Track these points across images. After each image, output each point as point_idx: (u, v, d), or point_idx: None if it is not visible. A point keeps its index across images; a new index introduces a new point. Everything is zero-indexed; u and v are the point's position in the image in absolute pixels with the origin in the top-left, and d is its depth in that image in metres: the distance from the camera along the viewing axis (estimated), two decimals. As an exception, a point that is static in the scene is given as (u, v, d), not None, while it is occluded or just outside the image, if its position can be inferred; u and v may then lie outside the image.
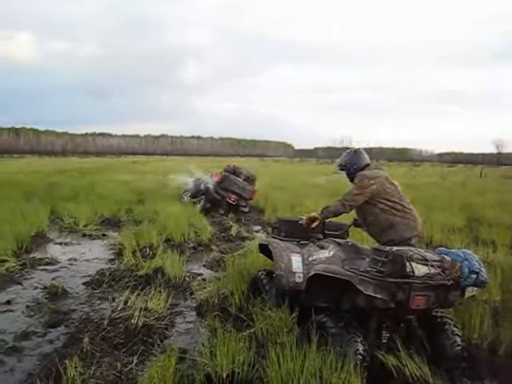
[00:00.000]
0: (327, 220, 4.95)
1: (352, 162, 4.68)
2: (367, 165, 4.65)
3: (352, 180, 4.63)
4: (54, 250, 7.87)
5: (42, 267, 6.70)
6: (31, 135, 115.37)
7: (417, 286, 3.12)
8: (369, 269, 3.44)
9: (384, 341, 3.50)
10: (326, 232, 4.82)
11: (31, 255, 7.28)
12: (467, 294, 3.40)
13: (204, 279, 6.20)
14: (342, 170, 4.77)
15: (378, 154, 78.66)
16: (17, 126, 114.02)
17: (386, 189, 4.41)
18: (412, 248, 3.47)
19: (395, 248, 3.41)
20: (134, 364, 3.71)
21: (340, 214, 4.49)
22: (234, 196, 12.11)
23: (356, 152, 4.78)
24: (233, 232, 9.59)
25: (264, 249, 4.86)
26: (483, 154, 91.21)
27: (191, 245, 8.18)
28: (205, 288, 5.61)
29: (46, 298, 5.33)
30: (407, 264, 3.12)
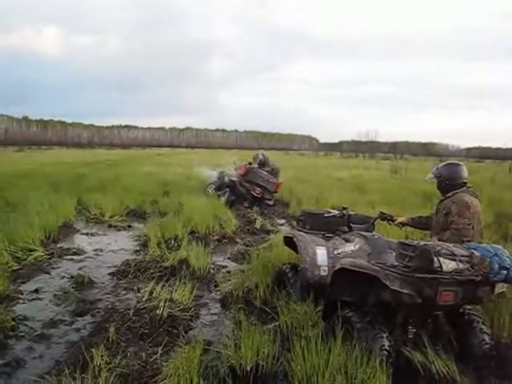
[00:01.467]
0: (352, 212, 4.92)
1: (448, 176, 4.38)
2: (463, 184, 4.36)
3: (440, 189, 4.48)
4: (80, 241, 7.99)
5: (69, 257, 6.81)
6: (59, 127, 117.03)
7: (444, 282, 3.04)
8: (395, 263, 3.38)
9: (410, 336, 3.43)
10: (352, 225, 4.77)
11: (58, 245, 7.41)
12: (497, 291, 3.31)
13: (228, 272, 6.22)
14: (436, 178, 4.49)
15: (403, 147, 77.48)
16: (45, 119, 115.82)
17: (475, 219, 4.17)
18: (440, 242, 3.39)
19: (422, 242, 3.34)
20: (158, 355, 3.73)
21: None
22: (258, 189, 12.07)
23: (455, 165, 4.51)
24: (257, 225, 9.57)
25: (289, 241, 4.84)
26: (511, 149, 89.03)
27: (216, 237, 8.19)
28: (229, 280, 5.62)
29: (73, 288, 5.43)
30: (435, 259, 3.04)
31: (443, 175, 4.40)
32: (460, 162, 4.60)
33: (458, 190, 4.28)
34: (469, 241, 3.86)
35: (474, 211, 4.15)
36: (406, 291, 3.12)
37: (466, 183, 4.36)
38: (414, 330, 3.45)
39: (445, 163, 4.63)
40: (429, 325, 3.54)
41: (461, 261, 3.08)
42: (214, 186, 13.12)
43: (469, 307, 3.60)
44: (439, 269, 3.01)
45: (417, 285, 3.09)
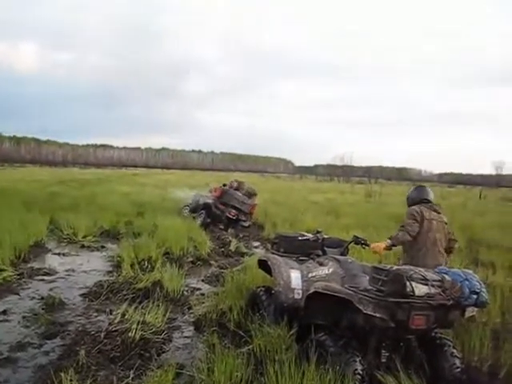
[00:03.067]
0: (326, 236, 4.98)
1: (411, 197, 5.27)
2: (423, 200, 5.11)
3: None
4: (52, 261, 7.83)
5: (40, 277, 6.67)
6: (32, 145, 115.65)
7: (417, 306, 3.09)
8: (369, 287, 3.41)
9: (383, 360, 3.46)
10: (326, 248, 4.81)
11: (29, 265, 7.25)
12: (467, 314, 3.37)
13: (202, 294, 6.17)
14: (407, 199, 5.36)
15: (377, 172, 78.70)
16: (18, 135, 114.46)
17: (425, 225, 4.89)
18: (412, 267, 3.44)
19: (395, 267, 3.39)
20: (130, 378, 3.68)
21: (403, 241, 4.92)
22: (233, 211, 12.03)
23: (418, 188, 5.41)
24: (232, 247, 9.56)
25: (263, 264, 4.85)
26: (482, 175, 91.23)
27: (190, 259, 8.15)
28: (203, 303, 5.58)
29: (43, 309, 5.30)
30: (407, 283, 3.09)
31: (409, 197, 5.29)
32: (424, 185, 5.52)
33: (422, 204, 5.06)
34: (414, 238, 4.84)
35: (423, 219, 4.89)
36: (378, 315, 3.15)
37: (426, 200, 5.11)
38: (387, 354, 3.48)
39: (412, 188, 5.48)
40: (401, 349, 3.57)
41: (433, 285, 3.14)
42: (189, 208, 13.08)
43: (440, 331, 3.65)
44: (412, 293, 3.06)
45: (390, 309, 3.13)
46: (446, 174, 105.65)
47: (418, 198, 5.14)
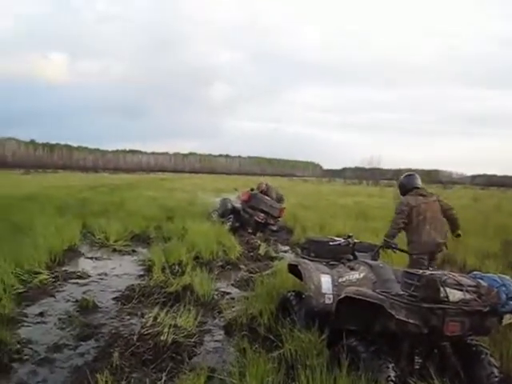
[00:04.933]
0: (357, 240, 4.95)
1: (402, 184, 6.07)
2: (413, 188, 5.88)
3: (400, 194, 6.07)
4: (85, 264, 8.01)
5: (74, 280, 6.83)
6: (64, 151, 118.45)
7: (451, 312, 3.03)
8: (401, 292, 3.37)
9: (417, 367, 3.40)
10: (357, 253, 4.78)
11: (63, 268, 7.43)
12: (505, 321, 3.28)
13: (232, 298, 6.21)
14: (397, 186, 6.21)
15: (406, 175, 77.38)
16: (51, 142, 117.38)
17: (414, 213, 5.68)
18: (446, 272, 3.39)
19: (428, 272, 3.34)
20: (162, 381, 3.74)
21: (394, 235, 5.70)
22: (262, 214, 11.99)
23: (408, 175, 6.11)
24: (261, 251, 9.57)
25: (293, 269, 4.85)
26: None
27: (220, 263, 8.20)
28: (233, 307, 5.61)
29: (77, 312, 5.44)
30: (441, 289, 3.04)
31: (401, 184, 6.08)
32: (412, 173, 6.17)
33: (409, 193, 5.85)
34: (408, 224, 5.71)
35: (411, 208, 5.68)
36: (411, 321, 3.10)
37: (416, 188, 5.86)
38: (421, 361, 3.42)
39: (403, 176, 6.19)
40: (435, 356, 3.50)
41: (467, 291, 3.07)
42: (217, 213, 13.14)
43: (476, 338, 3.58)
44: (446, 299, 3.00)
45: (423, 315, 3.08)
46: (478, 176, 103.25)
47: (409, 186, 5.91)
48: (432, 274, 3.23)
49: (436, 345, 3.48)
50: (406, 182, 6.00)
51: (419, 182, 5.96)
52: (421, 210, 5.69)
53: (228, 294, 6.49)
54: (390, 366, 3.24)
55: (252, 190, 12.78)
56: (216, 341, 4.81)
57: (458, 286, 3.07)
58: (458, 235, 6.00)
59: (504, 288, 3.16)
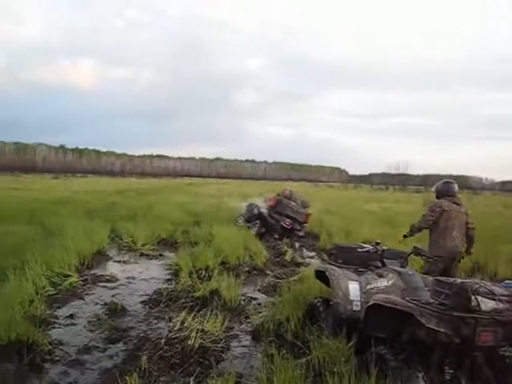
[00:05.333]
0: (385, 247, 4.91)
1: (437, 190, 6.30)
2: (446, 195, 6.15)
3: (436, 198, 6.30)
4: (113, 268, 8.14)
5: (103, 284, 6.94)
6: (93, 156, 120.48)
7: (483, 321, 2.97)
8: (431, 300, 3.32)
9: (447, 378, 3.33)
10: (385, 260, 4.73)
11: (92, 271, 7.57)
12: (540, 333, 3.21)
13: (259, 304, 6.22)
14: (434, 191, 6.39)
15: (434, 180, 76.32)
16: (80, 147, 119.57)
17: (444, 216, 5.98)
18: (477, 281, 3.33)
19: (459, 280, 3.29)
20: (190, 385, 3.75)
21: (420, 229, 6.18)
22: (288, 220, 11.98)
23: (445, 182, 6.35)
24: (287, 257, 9.55)
25: (321, 275, 4.83)
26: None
27: (246, 268, 8.22)
28: (260, 313, 5.62)
29: (106, 314, 5.53)
30: (472, 297, 2.99)
31: (438, 189, 6.28)
32: (451, 180, 6.41)
33: (445, 198, 6.13)
34: (435, 224, 6.02)
35: (442, 210, 5.98)
36: (442, 330, 3.05)
37: (451, 195, 6.12)
38: (451, 372, 3.34)
39: (441, 182, 6.40)
40: (467, 366, 3.43)
41: (500, 300, 3.02)
42: (243, 218, 13.17)
43: (510, 349, 3.49)
44: (477, 308, 2.95)
45: (454, 324, 3.02)
46: (509, 182, 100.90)
47: (445, 192, 6.17)
48: (463, 282, 3.18)
49: (467, 355, 3.40)
50: (443, 189, 6.23)
51: (456, 190, 6.23)
52: (451, 215, 5.97)
53: (255, 299, 6.50)
54: (420, 375, 3.19)
55: (278, 195, 12.79)
56: (243, 346, 4.81)
57: (491, 295, 3.01)
58: (470, 253, 6.34)
59: None
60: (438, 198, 6.24)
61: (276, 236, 12.05)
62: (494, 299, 3.00)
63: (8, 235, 8.48)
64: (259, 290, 7.05)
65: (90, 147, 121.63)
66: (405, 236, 6.30)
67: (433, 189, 6.58)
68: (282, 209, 12.11)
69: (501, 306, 3.00)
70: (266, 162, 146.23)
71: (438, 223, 6.01)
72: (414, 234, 6.23)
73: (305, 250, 11.33)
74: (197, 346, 4.37)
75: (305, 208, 12.58)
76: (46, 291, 5.98)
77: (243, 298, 6.39)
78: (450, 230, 5.96)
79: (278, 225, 12.05)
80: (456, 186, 6.29)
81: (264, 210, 12.56)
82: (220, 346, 4.57)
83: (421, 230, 6.19)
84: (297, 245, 11.57)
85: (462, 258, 6.22)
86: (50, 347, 4.35)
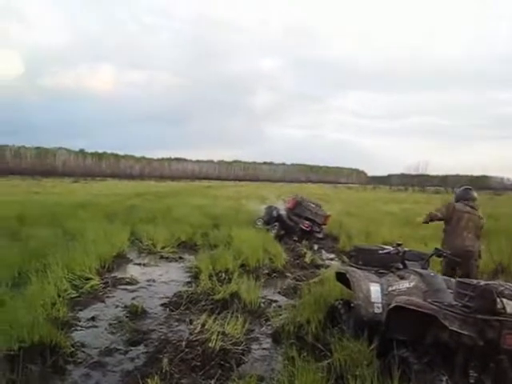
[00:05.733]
0: (407, 248, 4.85)
1: (457, 196, 6.60)
2: (463, 199, 6.43)
3: None
4: (133, 271, 8.18)
5: (123, 286, 6.99)
6: (112, 159, 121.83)
7: (509, 324, 2.92)
8: (454, 303, 3.27)
9: (472, 381, 3.28)
10: (406, 262, 4.68)
11: (113, 274, 7.63)
12: None
13: (279, 306, 6.19)
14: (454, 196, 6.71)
15: (454, 181, 75.40)
16: (99, 151, 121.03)
17: (453, 216, 6.28)
18: (502, 282, 3.26)
19: (483, 282, 3.23)
20: (212, 388, 3.75)
21: (432, 218, 6.50)
22: (307, 222, 11.95)
23: (464, 189, 6.65)
24: (307, 259, 9.52)
25: (341, 277, 4.79)
26: None
27: (266, 271, 8.20)
28: (280, 315, 5.59)
29: (127, 317, 5.56)
30: (497, 300, 2.93)
31: (457, 194, 6.64)
32: (470, 187, 6.73)
33: (461, 201, 6.40)
34: (447, 223, 6.34)
35: (454, 211, 6.29)
36: (466, 332, 3.00)
37: (468, 199, 6.41)
38: (476, 375, 3.28)
39: (461, 188, 6.75)
40: (491, 370, 3.36)
41: None
42: (262, 220, 13.12)
43: None
44: (503, 310, 2.90)
45: (478, 326, 2.97)
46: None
47: (462, 197, 6.48)
48: (487, 284, 3.12)
49: (492, 358, 3.34)
50: (461, 194, 6.54)
51: (474, 196, 6.50)
52: (464, 216, 6.27)
53: (275, 301, 6.48)
54: (444, 378, 3.14)
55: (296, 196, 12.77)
56: (264, 349, 4.80)
57: None
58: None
59: None
60: (457, 202, 6.49)
61: (295, 238, 12.00)
62: None
63: (30, 239, 8.63)
64: (279, 293, 7.02)
65: (109, 151, 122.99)
66: (425, 222, 6.68)
67: (453, 195, 6.98)
68: (301, 211, 12.11)
69: (526, 308, 2.93)
70: (284, 163, 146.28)
71: (450, 222, 6.32)
72: (428, 222, 6.62)
73: (324, 252, 11.27)
74: (217, 348, 4.37)
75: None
76: (68, 294, 6.06)
77: (263, 300, 6.39)
78: (461, 230, 6.21)
79: (297, 227, 12.04)
80: (475, 193, 6.57)
81: (283, 213, 12.55)
82: (241, 348, 4.56)
83: (433, 219, 6.51)
84: (315, 247, 11.49)
85: (479, 257, 6.40)
86: (73, 349, 4.39)
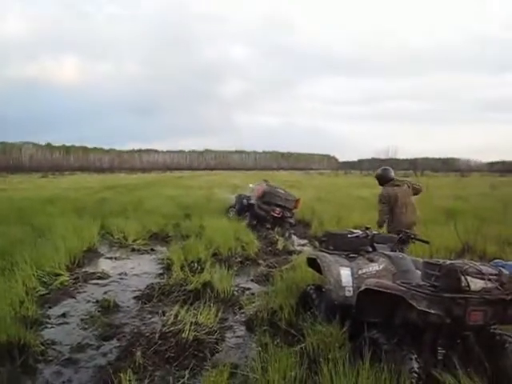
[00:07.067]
0: (376, 232, 4.93)
1: (379, 176, 7.30)
2: (390, 179, 7.10)
3: (379, 184, 7.27)
4: (104, 265, 8.08)
5: (94, 281, 6.89)
6: (80, 153, 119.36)
7: (473, 301, 2.99)
8: (421, 283, 3.33)
9: (440, 358, 3.36)
10: (376, 245, 4.74)
11: (83, 269, 7.51)
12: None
13: (252, 294, 6.21)
14: (375, 177, 7.41)
15: (423, 164, 76.78)
16: (67, 144, 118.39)
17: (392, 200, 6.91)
18: (466, 261, 3.33)
19: (448, 261, 3.29)
20: (185, 378, 3.75)
21: (384, 221, 7.01)
22: (278, 209, 11.83)
23: (384, 169, 7.34)
24: (279, 246, 9.56)
25: (312, 263, 4.83)
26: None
27: (238, 259, 8.21)
28: (253, 302, 5.61)
29: (99, 312, 5.48)
30: (462, 278, 2.99)
31: (379, 176, 7.27)
32: (387, 167, 7.42)
33: (386, 185, 7.08)
34: (384, 221, 7.01)
35: (390, 197, 6.92)
36: (433, 311, 3.06)
37: (391, 179, 7.09)
38: (444, 352, 3.37)
39: (380, 169, 7.44)
40: (458, 346, 3.46)
41: (489, 279, 3.03)
42: (235, 209, 13.06)
43: (500, 327, 3.52)
44: (467, 288, 2.96)
45: (445, 305, 3.04)
46: (496, 163, 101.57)
47: (386, 178, 7.14)
48: (452, 263, 3.18)
49: (459, 335, 3.43)
50: (383, 174, 7.22)
51: (393, 175, 7.21)
52: (398, 198, 6.93)
53: (248, 289, 6.50)
54: (413, 357, 3.21)
55: (266, 180, 12.71)
56: (237, 337, 4.81)
57: (480, 275, 3.03)
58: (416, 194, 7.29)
59: None
60: (381, 184, 7.19)
61: (268, 226, 11.93)
62: (483, 279, 3.01)
63: (-4, 236, 8.39)
64: (252, 280, 7.05)
65: (77, 144, 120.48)
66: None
67: (374, 175, 7.69)
68: (270, 198, 11.92)
69: (490, 285, 3.01)
70: (255, 151, 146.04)
71: (390, 208, 6.97)
72: (382, 227, 6.97)
73: (296, 238, 11.33)
74: (191, 338, 4.36)
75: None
76: (37, 291, 5.93)
77: (236, 288, 6.40)
78: (400, 209, 6.92)
79: (269, 215, 11.90)
80: (392, 171, 7.26)
81: (252, 202, 12.37)
82: (214, 337, 4.56)
83: (385, 221, 7.02)
84: (286, 233, 11.50)
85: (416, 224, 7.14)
86: (43, 347, 4.30)
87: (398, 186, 7.06)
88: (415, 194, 7.21)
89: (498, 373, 3.34)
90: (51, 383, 3.75)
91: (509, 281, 3.08)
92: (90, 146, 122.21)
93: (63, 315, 5.36)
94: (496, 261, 3.46)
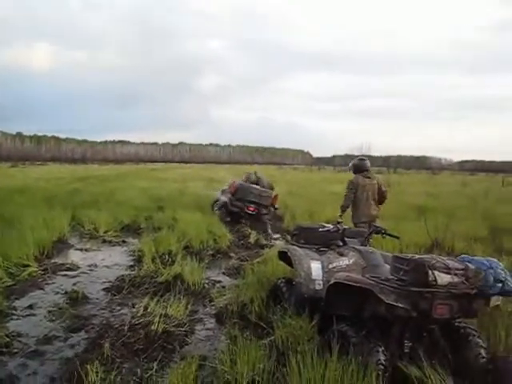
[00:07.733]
0: (346, 226, 4.98)
1: (353, 167, 7.71)
2: (363, 171, 7.54)
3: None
4: (74, 256, 7.94)
5: (63, 273, 6.77)
6: (52, 143, 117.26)
7: (440, 295, 3.05)
8: (390, 277, 3.38)
9: (406, 351, 3.43)
10: (346, 239, 4.79)
11: (52, 261, 7.36)
12: (492, 304, 3.31)
13: (223, 286, 6.20)
14: (350, 169, 7.82)
15: (396, 161, 77.72)
16: (39, 134, 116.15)
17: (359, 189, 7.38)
18: (434, 256, 3.40)
19: (417, 256, 3.35)
20: (154, 370, 3.73)
21: (347, 206, 7.47)
22: (252, 206, 11.42)
23: (358, 160, 7.77)
24: (251, 239, 9.57)
25: (283, 256, 4.85)
26: (504, 162, 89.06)
27: (210, 252, 8.19)
28: (224, 295, 5.60)
29: (67, 303, 5.39)
30: (429, 272, 3.05)
31: (354, 166, 7.65)
32: (365, 158, 7.93)
33: (360, 174, 7.50)
34: (347, 206, 7.48)
35: (358, 185, 7.38)
36: (400, 305, 3.12)
37: (366, 170, 7.56)
38: (410, 344, 3.44)
39: (357, 159, 7.82)
40: (424, 339, 3.53)
41: (455, 274, 3.09)
42: (218, 206, 12.30)
43: (465, 321, 3.61)
44: (434, 282, 3.02)
45: (412, 298, 3.10)
46: (467, 162, 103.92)
47: (361, 168, 7.57)
48: (420, 258, 3.24)
49: (425, 328, 3.51)
50: (358, 166, 7.62)
51: (368, 166, 7.66)
52: (365, 188, 7.40)
53: (219, 282, 6.49)
54: (380, 349, 3.27)
55: (255, 172, 12.57)
56: (207, 329, 4.80)
57: (446, 270, 3.09)
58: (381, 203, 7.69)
59: (491, 271, 3.19)
60: (354, 172, 7.60)
61: (243, 222, 11.50)
62: (449, 273, 3.07)
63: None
64: (223, 273, 7.04)
65: (49, 134, 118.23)
66: (340, 216, 7.14)
67: (349, 165, 8.03)
68: (244, 195, 11.45)
69: (456, 279, 3.08)
70: (229, 145, 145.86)
71: (355, 196, 7.40)
72: (345, 211, 7.46)
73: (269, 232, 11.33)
74: (160, 330, 4.35)
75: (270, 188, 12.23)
76: (3, 282, 5.81)
77: (207, 281, 6.38)
78: (365, 200, 7.38)
79: (243, 212, 11.52)
80: (368, 163, 7.69)
81: (225, 199, 11.86)
82: (184, 329, 4.55)
83: (348, 206, 7.48)
84: (268, 231, 11.14)
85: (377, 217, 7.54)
86: (8, 339, 4.22)
87: (368, 178, 7.51)
88: (379, 197, 7.57)
89: (462, 364, 3.43)
90: (16, 376, 3.66)
91: (474, 275, 3.15)
92: (62, 136, 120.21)
93: (30, 307, 5.25)
94: (463, 256, 3.53)
